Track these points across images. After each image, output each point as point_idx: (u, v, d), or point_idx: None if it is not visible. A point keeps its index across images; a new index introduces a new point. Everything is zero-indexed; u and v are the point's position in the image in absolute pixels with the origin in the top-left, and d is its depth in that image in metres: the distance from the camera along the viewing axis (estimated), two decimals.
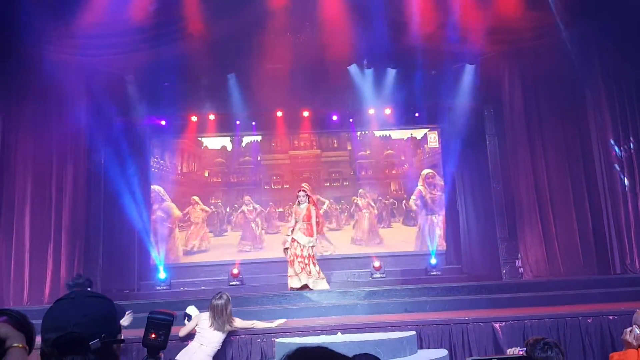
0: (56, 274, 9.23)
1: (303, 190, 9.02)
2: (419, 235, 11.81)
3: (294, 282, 8.56)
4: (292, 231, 8.72)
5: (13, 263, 8.91)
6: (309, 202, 8.81)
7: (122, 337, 1.45)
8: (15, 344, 0.78)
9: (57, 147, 9.49)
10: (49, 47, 8.46)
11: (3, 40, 8.03)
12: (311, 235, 8.64)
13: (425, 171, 12.10)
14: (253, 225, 11.89)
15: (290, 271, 8.61)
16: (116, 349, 1.42)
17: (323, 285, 8.61)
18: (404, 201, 12.02)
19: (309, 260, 8.57)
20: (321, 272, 8.72)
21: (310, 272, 8.54)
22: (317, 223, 8.76)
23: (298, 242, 8.61)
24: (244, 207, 11.94)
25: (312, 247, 8.70)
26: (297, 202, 8.86)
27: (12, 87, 8.65)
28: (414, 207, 11.95)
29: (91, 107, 9.57)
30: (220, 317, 5.79)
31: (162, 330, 1.54)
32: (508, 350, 3.56)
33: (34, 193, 9.18)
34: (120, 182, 10.55)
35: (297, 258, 8.54)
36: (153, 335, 1.53)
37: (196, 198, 11.85)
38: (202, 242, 11.78)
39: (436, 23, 9.09)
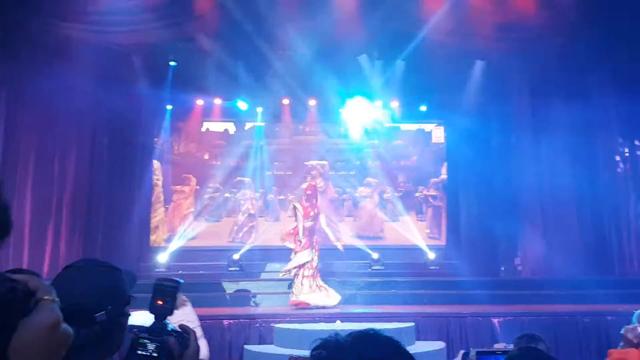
0: (55, 252, 9.26)
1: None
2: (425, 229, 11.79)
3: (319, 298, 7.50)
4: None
5: (12, 238, 8.92)
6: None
7: (130, 310, 1.46)
8: (46, 297, 0.77)
9: (61, 124, 9.47)
10: (57, 21, 8.41)
11: (12, 13, 7.98)
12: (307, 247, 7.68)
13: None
14: (240, 213, 11.68)
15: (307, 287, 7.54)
16: (123, 321, 1.42)
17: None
18: (416, 194, 11.93)
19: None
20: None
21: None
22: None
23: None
24: (245, 191, 11.80)
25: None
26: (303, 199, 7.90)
27: (20, 60, 8.60)
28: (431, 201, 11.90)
29: (97, 85, 9.52)
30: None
31: (169, 297, 1.55)
32: (495, 345, 3.59)
33: (36, 169, 9.18)
34: (123, 163, 10.54)
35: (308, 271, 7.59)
36: (160, 302, 1.54)
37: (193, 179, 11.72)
38: (190, 226, 11.62)
39: (448, 17, 9.03)
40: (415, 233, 11.67)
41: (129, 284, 1.62)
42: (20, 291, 0.76)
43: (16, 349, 0.69)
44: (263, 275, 9.74)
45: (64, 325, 0.78)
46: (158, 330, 1.49)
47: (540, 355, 2.10)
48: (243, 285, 8.50)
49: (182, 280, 1.63)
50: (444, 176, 11.97)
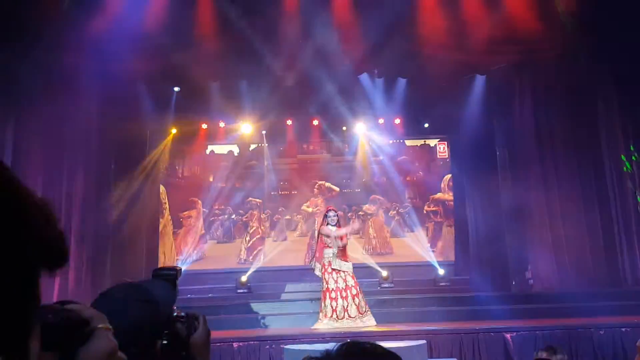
0: (64, 279, 9.25)
1: (334, 210, 7.81)
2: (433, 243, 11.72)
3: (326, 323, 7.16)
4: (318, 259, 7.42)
5: None
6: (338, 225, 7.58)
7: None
8: (101, 325, 0.79)
9: (68, 151, 9.55)
10: (62, 51, 8.54)
11: (17, 43, 8.12)
12: (345, 261, 7.37)
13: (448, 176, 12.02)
14: (247, 234, 11.67)
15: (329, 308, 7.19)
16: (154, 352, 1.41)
17: (371, 320, 7.33)
18: (425, 209, 11.88)
19: (357, 290, 7.25)
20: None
21: (359, 305, 7.23)
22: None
23: (343, 272, 7.27)
24: (252, 211, 11.80)
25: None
26: (325, 222, 7.56)
27: (25, 90, 8.71)
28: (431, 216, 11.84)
29: (103, 111, 9.64)
30: None
31: (170, 284, 1.62)
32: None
33: (44, 195, 9.20)
34: (129, 188, 10.58)
35: (342, 292, 7.18)
36: None
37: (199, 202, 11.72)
38: (198, 249, 11.60)
39: (447, 33, 9.11)
40: (424, 249, 11.60)
41: (170, 293, 1.62)
42: (75, 320, 0.77)
43: None
44: (271, 297, 9.67)
45: (120, 353, 0.80)
46: (166, 317, 1.52)
47: None
48: (252, 306, 8.45)
49: (180, 267, 1.68)
50: (440, 193, 11.90)
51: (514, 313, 7.64)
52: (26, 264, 0.49)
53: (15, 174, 0.50)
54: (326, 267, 7.30)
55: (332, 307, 7.14)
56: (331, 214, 7.61)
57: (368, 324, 7.21)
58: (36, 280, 0.50)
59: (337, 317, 7.11)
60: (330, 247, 7.31)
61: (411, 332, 6.45)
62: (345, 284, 7.25)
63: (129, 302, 1.42)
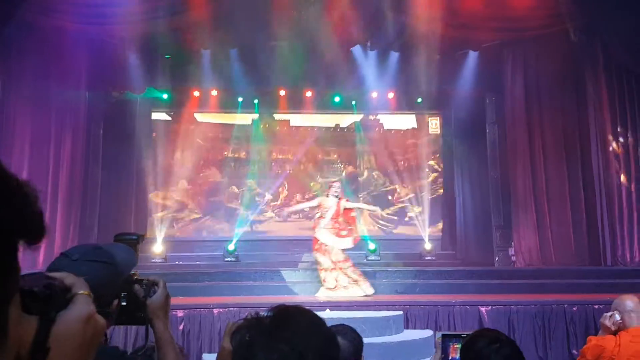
0: (50, 242, 9.27)
1: (338, 182, 7.68)
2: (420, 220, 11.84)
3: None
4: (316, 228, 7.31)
5: None
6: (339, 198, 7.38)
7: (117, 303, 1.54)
8: (82, 291, 0.83)
9: (56, 115, 9.49)
10: (50, 12, 8.42)
11: (3, 4, 8.00)
12: (338, 236, 7.22)
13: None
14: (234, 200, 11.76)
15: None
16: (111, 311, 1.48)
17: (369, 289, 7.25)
18: (418, 187, 11.94)
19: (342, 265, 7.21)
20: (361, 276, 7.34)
21: (348, 274, 7.21)
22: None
23: (324, 244, 7.23)
24: (242, 181, 11.85)
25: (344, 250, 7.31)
26: (326, 193, 7.48)
27: (12, 52, 8.61)
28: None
29: (92, 76, 9.56)
30: None
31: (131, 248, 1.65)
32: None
33: (31, 160, 9.18)
34: (118, 154, 10.58)
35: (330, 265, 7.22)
36: None
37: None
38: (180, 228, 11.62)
39: (442, 7, 9.01)
40: (414, 222, 11.72)
41: (128, 257, 1.65)
42: (57, 287, 0.80)
43: (55, 340, 0.74)
44: (259, 266, 9.79)
45: (98, 317, 0.82)
46: (125, 280, 1.57)
47: (497, 336, 2.14)
48: (238, 275, 8.56)
49: (143, 233, 1.73)
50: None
51: (495, 288, 7.78)
52: (3, 236, 0.52)
53: None
54: (318, 240, 7.28)
55: (322, 277, 7.25)
56: (336, 184, 7.56)
57: (367, 292, 7.19)
58: (14, 252, 0.54)
59: (330, 287, 7.19)
60: (323, 218, 7.27)
61: (389, 303, 6.58)
62: (333, 258, 7.24)
63: (87, 262, 1.46)
